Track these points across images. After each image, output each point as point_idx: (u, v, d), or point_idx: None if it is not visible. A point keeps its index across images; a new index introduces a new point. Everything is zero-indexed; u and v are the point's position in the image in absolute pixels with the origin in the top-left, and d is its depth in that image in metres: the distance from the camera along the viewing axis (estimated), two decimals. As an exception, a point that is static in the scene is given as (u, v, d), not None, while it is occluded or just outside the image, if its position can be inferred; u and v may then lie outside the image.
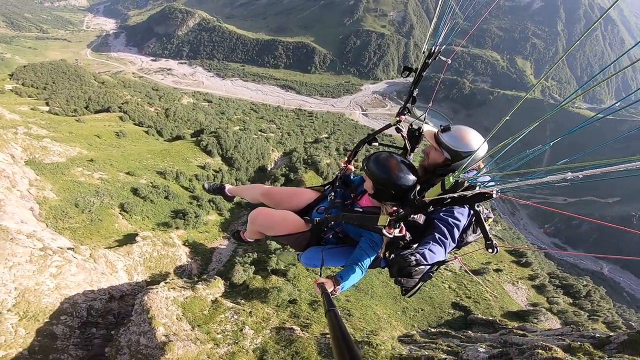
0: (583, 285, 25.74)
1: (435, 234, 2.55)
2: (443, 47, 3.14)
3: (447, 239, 2.56)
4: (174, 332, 10.21)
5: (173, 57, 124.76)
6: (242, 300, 15.08)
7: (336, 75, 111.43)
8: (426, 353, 11.23)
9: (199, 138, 39.41)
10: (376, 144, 3.42)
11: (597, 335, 11.52)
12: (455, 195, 1.80)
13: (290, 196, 3.52)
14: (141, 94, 60.48)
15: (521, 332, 13.26)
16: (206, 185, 4.28)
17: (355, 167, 3.59)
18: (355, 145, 3.47)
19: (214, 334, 11.44)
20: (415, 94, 3.27)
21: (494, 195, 1.71)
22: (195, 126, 48.51)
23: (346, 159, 3.55)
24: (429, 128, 2.97)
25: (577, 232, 65.42)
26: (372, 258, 2.72)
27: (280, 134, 59.22)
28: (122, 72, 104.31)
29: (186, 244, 23.74)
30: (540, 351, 9.49)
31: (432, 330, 15.78)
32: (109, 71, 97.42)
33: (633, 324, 21.03)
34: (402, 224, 2.30)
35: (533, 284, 24.64)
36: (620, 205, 70.49)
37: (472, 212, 2.63)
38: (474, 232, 2.77)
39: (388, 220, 2.29)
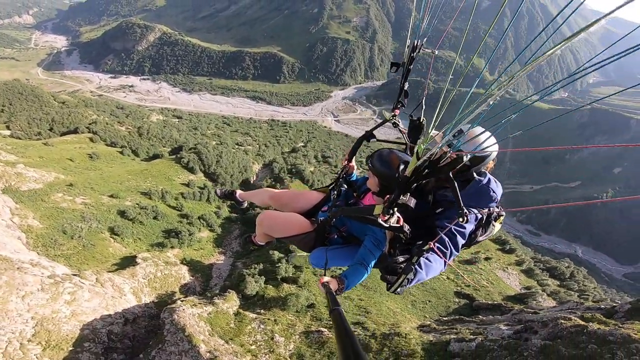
0: (566, 267, 27.70)
1: (436, 243, 2.51)
2: (425, 39, 3.21)
3: (447, 249, 2.55)
4: (214, 347, 10.12)
5: (134, 73, 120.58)
6: (262, 310, 15.06)
7: (305, 83, 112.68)
8: (453, 336, 11.85)
9: (179, 155, 38.41)
10: (374, 140, 3.43)
11: (603, 306, 12.67)
12: (427, 160, 1.84)
13: (297, 198, 3.57)
14: (106, 113, 58.10)
15: (532, 311, 14.23)
16: (218, 191, 4.39)
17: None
18: (354, 143, 3.50)
19: (247, 345, 11.42)
20: (406, 87, 3.32)
21: (464, 159, 1.84)
22: (171, 143, 47.29)
23: (347, 157, 3.52)
24: (436, 132, 3.10)
25: (548, 218, 70.13)
26: (377, 256, 2.73)
27: (258, 145, 58.96)
28: (79, 91, 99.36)
29: (184, 262, 23.14)
30: (562, 321, 10.38)
31: (445, 318, 16.51)
32: (65, 91, 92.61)
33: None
34: (397, 212, 2.28)
35: (521, 269, 26.24)
36: (582, 188, 76.49)
37: (479, 215, 2.63)
38: (484, 232, 2.75)
39: (382, 207, 2.29)
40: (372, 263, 2.70)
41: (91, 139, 39.79)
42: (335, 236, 3.12)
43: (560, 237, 66.98)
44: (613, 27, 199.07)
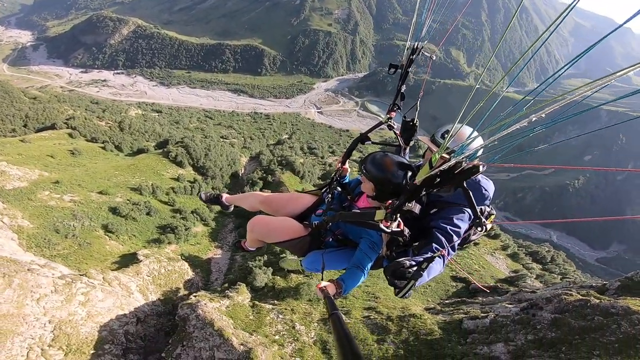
0: (546, 252, 29.19)
1: (433, 244, 2.55)
2: (425, 43, 3.23)
3: (444, 248, 2.56)
4: (245, 340, 10.20)
5: (107, 67, 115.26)
6: (275, 301, 15.18)
7: (288, 75, 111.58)
8: (463, 315, 12.44)
9: (166, 149, 37.44)
10: (369, 142, 3.41)
11: (594, 284, 13.59)
12: (446, 168, 1.80)
13: (288, 202, 3.47)
14: (81, 108, 55.60)
15: (529, 290, 15.07)
16: (202, 196, 4.21)
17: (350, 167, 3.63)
18: (349, 145, 3.46)
19: (272, 336, 11.55)
20: (403, 90, 3.32)
21: (481, 169, 1.75)
22: (154, 138, 45.96)
23: (340, 159, 3.49)
24: (425, 135, 2.96)
25: (524, 204, 73.49)
26: (373, 259, 2.71)
27: (243, 138, 58.22)
28: (48, 86, 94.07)
29: (182, 257, 22.83)
30: (565, 297, 11.09)
31: (447, 301, 17.20)
32: (33, 86, 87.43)
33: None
34: (399, 217, 2.29)
35: (507, 253, 27.44)
36: (555, 175, 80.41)
37: (471, 215, 2.64)
38: (477, 231, 2.80)
39: (385, 213, 2.28)
40: (369, 266, 2.68)
41: (70, 135, 38.08)
42: (330, 239, 3.07)
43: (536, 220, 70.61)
44: (582, 20, 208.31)
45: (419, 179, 1.94)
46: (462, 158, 1.75)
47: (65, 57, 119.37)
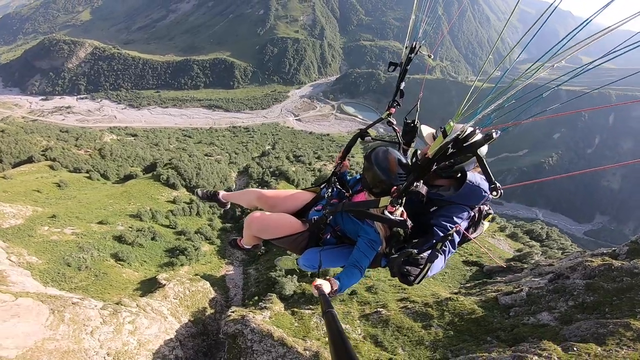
0: (540, 229, 31.02)
1: (434, 240, 2.55)
2: (423, 42, 3.26)
3: (445, 246, 2.56)
4: (306, 345, 10.49)
5: (68, 93, 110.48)
6: (311, 306, 15.47)
7: (261, 86, 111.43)
8: (495, 293, 13.29)
9: (156, 173, 36.70)
10: (369, 138, 3.43)
11: (605, 251, 14.78)
12: (461, 137, 1.81)
13: (286, 198, 3.42)
14: (51, 138, 53.17)
15: (546, 264, 16.19)
16: (199, 192, 4.14)
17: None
18: (348, 141, 3.47)
19: (323, 339, 11.87)
20: (402, 87, 3.31)
21: (494, 136, 1.75)
22: (139, 162, 44.80)
23: (340, 155, 3.46)
24: (427, 130, 2.94)
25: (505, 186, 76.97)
26: (371, 258, 2.69)
27: (228, 154, 57.68)
28: (8, 117, 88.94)
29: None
30: (588, 264, 12.17)
31: (469, 285, 18.09)
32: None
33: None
34: (402, 208, 2.30)
35: (506, 234, 28.97)
36: (530, 155, 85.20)
37: (472, 213, 2.71)
38: (475, 230, 2.83)
39: (389, 199, 2.29)
40: (366, 264, 2.67)
41: (51, 167, 36.49)
42: (329, 236, 3.03)
43: (520, 203, 74.35)
44: (526, 7, 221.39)
45: (432, 151, 1.91)
46: (477, 126, 1.76)
47: (21, 85, 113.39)
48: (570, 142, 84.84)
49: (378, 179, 2.56)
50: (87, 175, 36.01)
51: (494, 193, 2.06)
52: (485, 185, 2.63)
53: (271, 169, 42.53)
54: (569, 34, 1.60)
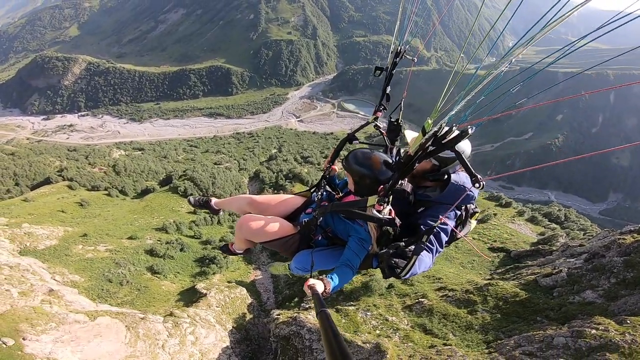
0: (558, 211, 31.42)
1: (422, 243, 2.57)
2: (407, 46, 3.32)
3: (433, 245, 2.63)
4: (363, 339, 11.05)
5: (69, 111, 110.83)
6: (351, 302, 16.05)
7: (259, 90, 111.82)
8: (533, 276, 13.84)
9: (173, 185, 37.34)
10: (357, 142, 3.48)
11: (632, 228, 15.26)
12: (439, 135, 1.87)
13: (277, 203, 3.46)
14: (61, 158, 53.91)
15: (576, 245, 16.72)
16: (192, 200, 4.18)
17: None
18: (336, 145, 3.54)
19: (373, 332, 12.45)
20: (388, 91, 3.36)
21: (469, 132, 1.80)
22: (152, 176, 45.44)
23: (329, 159, 3.52)
24: (411, 134, 2.98)
25: (514, 170, 77.75)
26: (362, 257, 2.74)
27: (236, 161, 58.25)
28: (13, 139, 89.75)
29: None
30: (621, 241, 12.72)
31: (500, 270, 18.63)
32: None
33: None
34: (390, 205, 2.36)
35: (525, 218, 29.43)
36: (535, 138, 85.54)
37: (459, 213, 2.82)
38: (463, 228, 2.90)
39: (377, 198, 2.35)
40: (358, 263, 2.72)
41: (69, 187, 37.17)
42: (320, 237, 3.08)
43: (530, 186, 74.77)
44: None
45: (412, 148, 1.99)
46: (453, 123, 1.83)
47: (21, 106, 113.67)
48: (574, 123, 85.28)
49: (360, 175, 2.69)
50: (106, 192, 36.66)
51: (476, 185, 2.06)
52: (469, 184, 2.65)
53: (284, 173, 42.97)
54: (532, 26, 1.84)
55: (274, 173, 47.04)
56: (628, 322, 8.53)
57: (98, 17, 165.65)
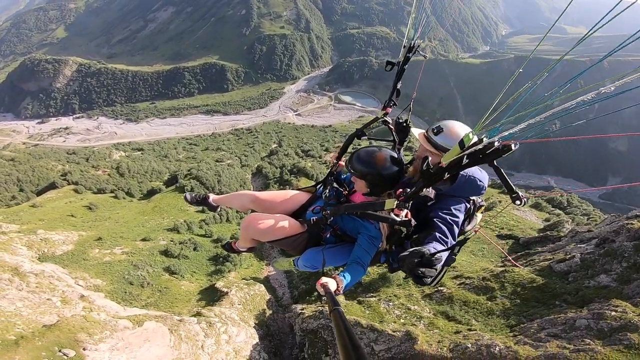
0: (560, 196, 32.11)
1: (436, 233, 2.55)
2: (422, 41, 3.26)
3: (447, 237, 2.57)
4: (392, 328, 11.60)
5: (63, 113, 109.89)
6: (371, 294, 16.60)
7: (255, 85, 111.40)
8: (547, 262, 14.44)
9: (179, 184, 37.56)
10: (365, 137, 3.43)
11: (637, 212, 15.80)
12: (477, 149, 1.77)
13: (282, 200, 3.37)
14: (61, 162, 53.82)
15: (585, 231, 17.31)
16: (188, 197, 4.00)
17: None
18: (344, 141, 3.50)
19: (398, 321, 13.00)
20: (399, 86, 3.32)
21: (513, 148, 1.72)
22: (156, 176, 45.59)
23: (336, 155, 3.48)
24: (418, 131, 2.93)
25: (513, 158, 78.78)
26: (372, 254, 2.72)
27: (237, 158, 58.43)
28: (10, 144, 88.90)
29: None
30: (629, 226, 13.29)
31: (511, 257, 19.24)
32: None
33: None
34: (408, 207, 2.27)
35: (529, 205, 30.12)
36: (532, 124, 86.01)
37: (468, 206, 2.77)
38: (470, 222, 2.86)
39: (395, 202, 2.27)
40: (368, 261, 2.70)
41: (76, 190, 37.28)
42: (329, 235, 3.04)
43: (530, 172, 75.90)
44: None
45: (446, 160, 1.91)
46: (497, 139, 1.73)
47: (14, 110, 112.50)
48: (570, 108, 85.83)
49: (366, 175, 2.65)
50: (113, 195, 36.83)
51: (517, 202, 2.02)
52: (479, 174, 2.68)
53: (288, 167, 43.29)
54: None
55: (277, 168, 47.33)
56: (645, 303, 9.10)
57: (85, 18, 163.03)
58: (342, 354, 1.31)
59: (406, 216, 2.30)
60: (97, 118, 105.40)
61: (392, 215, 2.29)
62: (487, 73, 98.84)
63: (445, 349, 10.09)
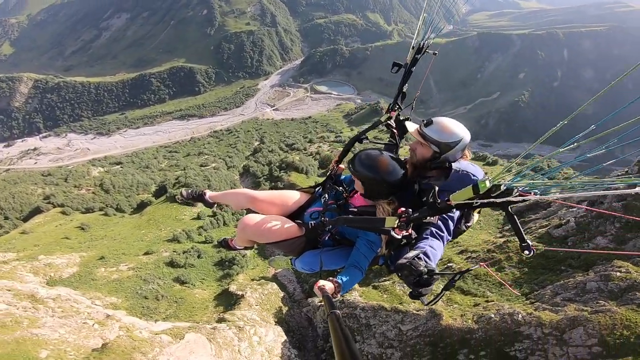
0: (541, 162, 33.68)
1: (432, 228, 2.53)
2: (432, 41, 3.15)
3: (443, 232, 2.56)
4: (415, 307, 12.36)
5: (28, 134, 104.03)
6: (384, 278, 17.37)
7: (228, 85, 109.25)
8: (544, 229, 15.57)
9: (169, 194, 37.06)
10: (367, 141, 3.35)
11: (618, 172, 17.09)
12: (494, 200, 1.73)
13: (280, 201, 3.31)
14: (38, 186, 51.72)
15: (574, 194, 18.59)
16: (184, 193, 3.93)
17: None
18: (345, 144, 3.45)
19: (417, 301, 13.82)
20: (405, 89, 3.22)
21: (532, 199, 1.70)
22: (142, 188, 44.69)
23: (336, 158, 3.39)
24: (411, 125, 2.94)
25: (489, 129, 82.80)
26: (370, 259, 2.71)
27: (222, 160, 57.85)
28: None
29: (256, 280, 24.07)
30: (613, 187, 14.53)
31: (508, 227, 20.42)
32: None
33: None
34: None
35: (513, 174, 31.75)
36: (503, 97, 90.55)
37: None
38: (467, 221, 2.81)
39: (397, 222, 2.21)
40: (366, 265, 2.70)
41: (63, 212, 36.22)
42: (327, 238, 3.01)
43: (507, 142, 79.33)
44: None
45: (455, 200, 1.89)
46: (515, 188, 1.69)
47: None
48: (536, 80, 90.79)
49: (367, 179, 2.62)
50: (103, 212, 36.00)
51: (526, 252, 2.02)
52: (473, 169, 2.66)
53: (276, 164, 43.42)
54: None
55: (264, 165, 47.36)
56: (644, 262, 9.98)
57: (30, 32, 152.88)
58: (337, 357, 1.30)
59: (407, 231, 2.25)
60: (66, 135, 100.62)
61: (393, 233, 2.25)
62: (453, 51, 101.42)
63: (470, 321, 10.87)
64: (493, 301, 12.16)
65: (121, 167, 63.56)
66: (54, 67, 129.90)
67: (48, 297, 14.83)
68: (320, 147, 53.88)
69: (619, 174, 16.52)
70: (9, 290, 13.14)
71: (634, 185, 1.27)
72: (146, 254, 25.94)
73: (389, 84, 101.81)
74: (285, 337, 14.79)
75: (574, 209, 16.16)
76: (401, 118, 3.22)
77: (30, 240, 28.43)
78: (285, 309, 20.17)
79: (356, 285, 17.56)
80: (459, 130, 2.63)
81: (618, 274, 9.61)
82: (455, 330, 10.94)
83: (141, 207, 37.98)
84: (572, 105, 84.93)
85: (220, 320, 15.48)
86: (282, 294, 21.56)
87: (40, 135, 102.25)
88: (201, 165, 56.14)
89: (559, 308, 9.35)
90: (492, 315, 10.34)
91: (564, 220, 14.74)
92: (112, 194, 41.67)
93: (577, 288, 10.14)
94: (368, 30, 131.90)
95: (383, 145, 3.28)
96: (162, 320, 17.33)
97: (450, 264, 16.02)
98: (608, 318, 8.03)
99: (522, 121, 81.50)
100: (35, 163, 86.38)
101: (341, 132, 64.16)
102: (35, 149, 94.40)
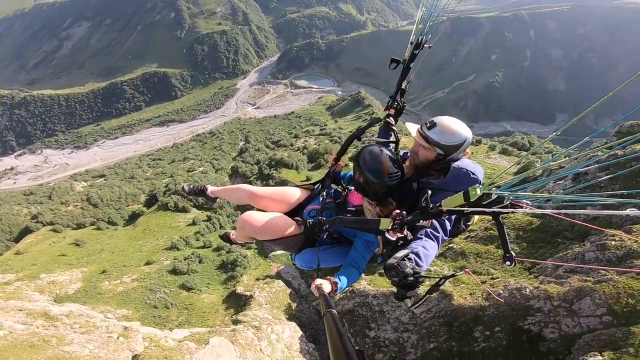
0: (521, 139, 35.15)
1: (427, 228, 2.49)
2: (429, 37, 3.13)
3: (438, 232, 2.52)
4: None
5: (2, 153, 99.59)
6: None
7: (206, 87, 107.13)
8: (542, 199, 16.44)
9: (161, 203, 36.71)
10: (366, 138, 3.37)
11: (598, 145, 18.04)
12: (484, 210, 1.72)
13: (280, 197, 3.34)
14: (23, 204, 50.11)
15: (557, 167, 19.56)
16: (186, 188, 3.97)
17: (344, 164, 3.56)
18: (343, 142, 3.44)
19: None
20: (404, 86, 3.19)
21: (525, 210, 1.69)
22: (132, 199, 43.99)
23: (335, 156, 3.39)
24: (411, 126, 2.89)
25: (469, 110, 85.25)
26: (368, 258, 2.71)
27: (209, 163, 57.29)
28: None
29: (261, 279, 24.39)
30: (598, 154, 15.43)
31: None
32: None
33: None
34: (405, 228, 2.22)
35: (497, 152, 32.88)
36: (478, 79, 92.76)
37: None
38: (467, 221, 2.78)
39: (391, 224, 2.21)
40: (364, 265, 2.72)
41: (54, 230, 35.43)
42: (325, 237, 3.04)
43: (487, 121, 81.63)
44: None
45: (447, 206, 1.89)
46: (507, 196, 1.69)
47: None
48: (507, 60, 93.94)
49: (370, 182, 2.57)
50: (95, 227, 35.37)
51: (508, 263, 2.02)
52: (472, 167, 2.64)
53: (265, 162, 43.41)
54: None
55: (253, 165, 47.28)
56: (634, 230, 10.18)
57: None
58: (332, 356, 1.32)
59: (402, 232, 2.24)
60: (42, 152, 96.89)
61: (387, 235, 2.24)
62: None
63: (480, 298, 11.41)
64: (498, 277, 12.82)
65: (105, 180, 62.11)
66: (18, 81, 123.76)
67: (61, 314, 14.80)
68: (306, 141, 53.95)
69: (598, 145, 17.47)
70: (21, 310, 13.06)
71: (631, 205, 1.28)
72: (147, 264, 25.84)
73: (367, 74, 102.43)
74: (300, 332, 15.21)
75: (561, 182, 17.12)
76: (395, 103, 3.17)
77: (27, 260, 27.87)
78: (294, 305, 20.61)
79: (363, 274, 18.14)
80: (462, 129, 2.59)
81: (613, 242, 9.82)
82: (467, 309, 11.34)
83: (133, 218, 37.49)
84: (543, 83, 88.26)
85: (235, 322, 15.80)
86: (289, 290, 21.98)
87: (15, 154, 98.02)
88: (188, 171, 55.47)
89: (563, 280, 9.60)
90: (501, 292, 10.67)
91: (553, 194, 15.60)
92: (101, 208, 40.87)
93: (576, 259, 10.29)
94: (342, 22, 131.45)
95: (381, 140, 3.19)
96: (177, 328, 17.49)
97: (452, 245, 16.66)
98: (612, 287, 8.30)
99: (498, 101, 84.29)
100: (14, 183, 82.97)
101: (325, 125, 64.19)
102: (12, 169, 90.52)
